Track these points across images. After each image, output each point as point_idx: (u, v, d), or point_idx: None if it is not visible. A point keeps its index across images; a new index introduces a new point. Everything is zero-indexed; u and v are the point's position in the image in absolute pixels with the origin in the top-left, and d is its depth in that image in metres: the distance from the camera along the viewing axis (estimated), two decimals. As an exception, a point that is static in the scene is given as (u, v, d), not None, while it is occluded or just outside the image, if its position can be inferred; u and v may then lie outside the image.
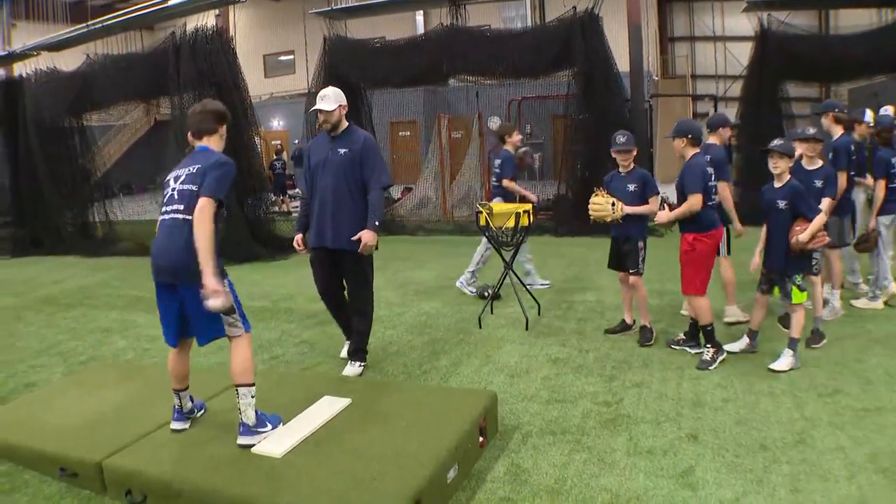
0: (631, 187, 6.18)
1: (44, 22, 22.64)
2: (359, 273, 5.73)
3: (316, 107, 5.62)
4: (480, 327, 7.03)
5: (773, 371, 5.38)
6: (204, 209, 4.01)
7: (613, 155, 6.28)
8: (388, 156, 24.30)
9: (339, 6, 13.33)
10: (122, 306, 9.51)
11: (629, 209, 6.04)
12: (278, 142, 25.88)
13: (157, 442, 4.41)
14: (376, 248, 5.60)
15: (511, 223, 6.83)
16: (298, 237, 5.93)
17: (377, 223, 5.55)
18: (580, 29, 11.65)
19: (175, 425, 4.55)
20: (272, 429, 4.30)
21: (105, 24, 14.43)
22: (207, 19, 12.87)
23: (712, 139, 6.62)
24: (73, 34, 15.03)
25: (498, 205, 7.38)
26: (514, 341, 6.54)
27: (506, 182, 8.01)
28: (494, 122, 18.22)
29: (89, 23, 14.67)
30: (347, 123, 5.73)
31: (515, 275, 7.18)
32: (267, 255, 12.20)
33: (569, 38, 11.75)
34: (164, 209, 4.26)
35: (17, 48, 16.37)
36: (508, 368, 5.81)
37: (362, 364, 5.94)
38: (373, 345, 6.38)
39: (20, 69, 16.55)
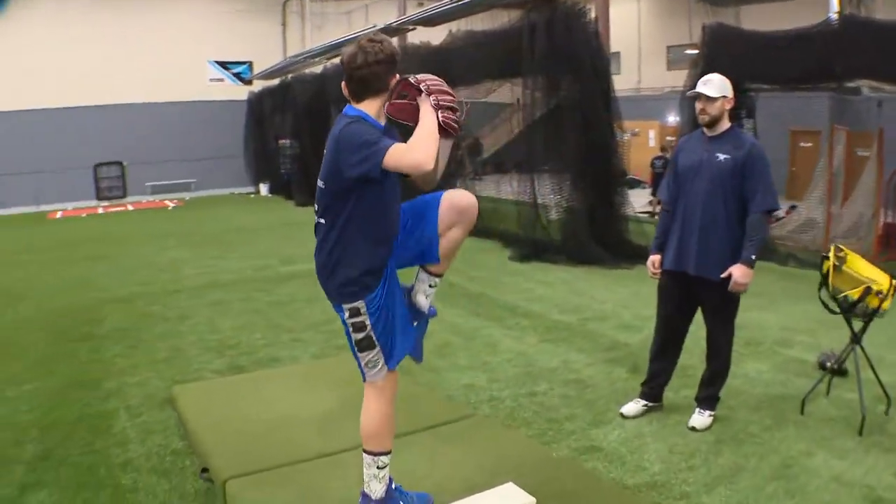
0: None
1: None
2: (723, 309, 4.75)
3: (697, 89, 4.65)
4: (802, 413, 5.06)
5: None
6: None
7: None
8: (787, 168, 21.70)
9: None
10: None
11: None
12: (672, 138, 24.46)
13: (290, 477, 3.73)
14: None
15: (855, 294, 4.85)
16: (655, 258, 4.94)
17: (753, 257, 4.47)
18: None
19: None
20: None
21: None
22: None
23: None
24: (438, 10, 15.08)
25: (857, 259, 5.23)
26: (833, 449, 4.50)
27: None
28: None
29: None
30: (730, 124, 4.72)
31: (864, 352, 5.12)
32: (609, 261, 10.90)
33: None
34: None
35: (393, 22, 16.92)
36: (807, 499, 3.91)
37: (712, 413, 4.89)
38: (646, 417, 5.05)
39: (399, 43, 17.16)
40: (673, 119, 27.57)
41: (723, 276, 4.48)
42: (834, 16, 13.11)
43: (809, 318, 7.44)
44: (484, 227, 13.92)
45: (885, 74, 10.23)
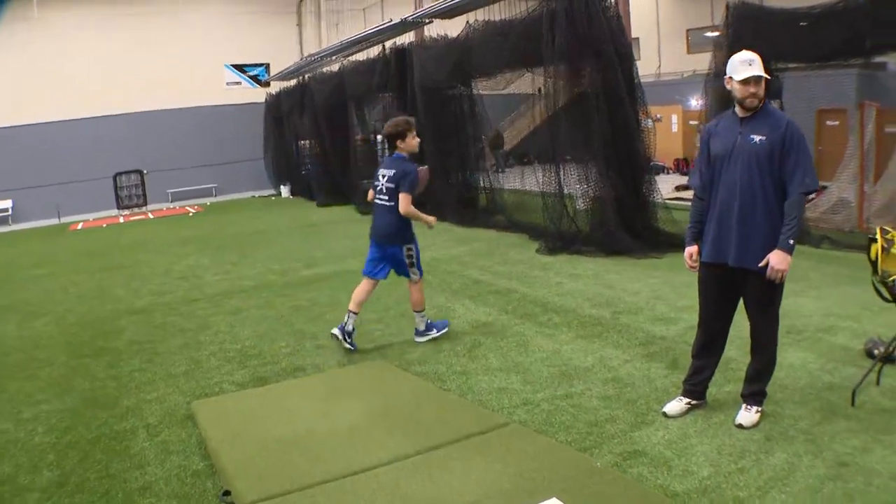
0: None
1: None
2: (765, 298, 4.46)
3: (748, 73, 4.21)
4: (853, 404, 4.75)
5: None
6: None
7: None
8: (813, 148, 21.35)
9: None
10: (454, 290, 8.84)
11: None
12: (697, 122, 24.10)
13: (315, 499, 3.58)
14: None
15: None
16: (692, 250, 4.69)
17: (791, 241, 4.22)
18: None
19: None
20: (437, 333, 6.59)
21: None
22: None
23: None
24: (454, 1, 14.79)
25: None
26: (892, 445, 4.18)
27: None
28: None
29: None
30: (765, 102, 4.41)
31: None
32: (638, 250, 10.58)
33: None
34: None
35: (410, 16, 16.67)
36: (869, 501, 3.61)
37: (760, 409, 4.62)
38: (691, 416, 4.76)
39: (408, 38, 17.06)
40: (696, 103, 27.21)
41: (760, 264, 4.25)
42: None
43: (852, 302, 7.12)
44: (510, 220, 13.67)
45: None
